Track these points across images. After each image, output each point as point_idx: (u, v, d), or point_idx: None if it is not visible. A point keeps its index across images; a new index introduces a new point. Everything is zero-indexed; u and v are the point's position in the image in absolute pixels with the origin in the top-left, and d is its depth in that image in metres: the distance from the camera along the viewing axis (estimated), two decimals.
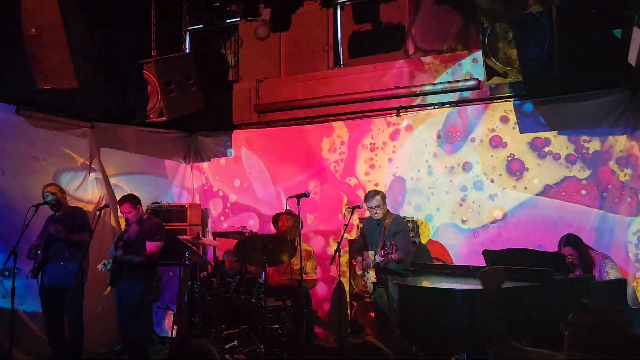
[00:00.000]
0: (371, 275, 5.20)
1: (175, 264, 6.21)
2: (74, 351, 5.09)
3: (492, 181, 5.83)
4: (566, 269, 4.45)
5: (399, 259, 5.07)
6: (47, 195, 5.25)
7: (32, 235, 5.28)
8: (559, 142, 5.55)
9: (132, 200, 5.29)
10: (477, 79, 5.89)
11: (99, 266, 5.10)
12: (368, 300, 5.79)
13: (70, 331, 5.10)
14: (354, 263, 5.75)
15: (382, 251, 5.10)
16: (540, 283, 3.96)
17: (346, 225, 5.25)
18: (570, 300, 3.95)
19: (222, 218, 7.39)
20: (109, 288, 5.26)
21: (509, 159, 5.76)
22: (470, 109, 5.99)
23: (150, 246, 5.19)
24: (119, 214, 5.48)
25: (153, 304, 5.93)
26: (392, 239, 5.10)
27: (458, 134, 6.03)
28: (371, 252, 5.23)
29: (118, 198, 6.46)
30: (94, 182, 6.41)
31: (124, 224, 5.46)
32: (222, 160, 7.45)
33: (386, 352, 2.38)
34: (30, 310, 5.56)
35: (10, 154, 5.72)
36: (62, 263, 5.10)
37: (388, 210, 5.45)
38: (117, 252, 5.11)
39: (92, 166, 6.40)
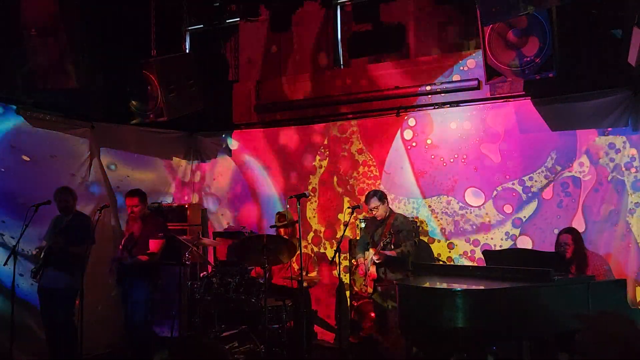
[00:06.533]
0: (372, 272, 5.20)
1: (175, 264, 6.21)
2: (69, 352, 5.12)
3: None
4: (565, 269, 4.46)
5: (394, 255, 5.07)
6: (59, 202, 5.29)
7: (33, 235, 5.29)
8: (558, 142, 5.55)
9: (141, 195, 5.41)
10: (477, 79, 5.88)
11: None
12: (368, 300, 5.79)
13: (63, 333, 5.14)
14: (354, 263, 5.75)
15: (381, 243, 5.10)
16: (540, 283, 3.96)
17: (346, 225, 5.26)
18: (570, 300, 3.97)
19: (222, 218, 7.39)
20: (114, 291, 5.32)
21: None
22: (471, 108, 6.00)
23: (153, 244, 5.26)
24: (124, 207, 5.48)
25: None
26: (393, 235, 5.10)
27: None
28: (371, 251, 5.23)
29: (117, 199, 6.51)
30: (93, 182, 6.41)
31: (125, 225, 5.48)
32: (222, 160, 7.45)
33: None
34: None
35: (10, 154, 5.72)
36: (59, 268, 5.14)
37: (391, 210, 5.45)
38: (123, 254, 5.14)
39: (92, 166, 6.40)
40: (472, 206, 5.88)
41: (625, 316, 2.35)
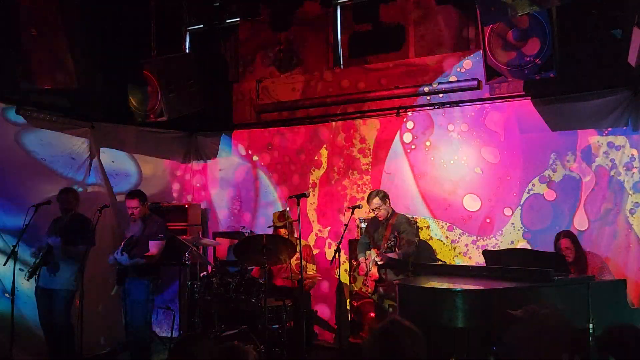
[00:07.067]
0: (374, 272, 5.20)
1: (175, 264, 6.21)
2: (68, 352, 5.13)
3: None
4: (565, 269, 4.46)
5: (397, 258, 5.06)
6: (61, 202, 5.30)
7: (33, 235, 5.29)
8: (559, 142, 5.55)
9: (140, 196, 5.36)
10: (477, 79, 5.88)
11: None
12: (368, 300, 5.79)
13: (59, 333, 5.15)
14: (354, 263, 5.75)
15: (385, 244, 5.09)
16: (540, 283, 3.96)
17: (346, 225, 5.25)
18: (570, 300, 3.97)
19: (222, 218, 7.39)
20: (115, 287, 5.32)
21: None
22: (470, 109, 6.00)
23: (153, 246, 5.24)
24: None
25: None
26: (397, 237, 5.10)
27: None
28: (373, 252, 5.23)
29: (117, 198, 6.51)
30: (93, 182, 6.41)
31: (126, 225, 5.48)
32: (222, 160, 7.45)
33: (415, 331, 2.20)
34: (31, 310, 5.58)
35: (10, 154, 5.72)
36: (57, 268, 5.15)
37: (393, 210, 5.44)
38: (123, 255, 5.13)
39: (92, 166, 6.40)
40: (471, 210, 5.88)
41: (553, 311, 2.33)
